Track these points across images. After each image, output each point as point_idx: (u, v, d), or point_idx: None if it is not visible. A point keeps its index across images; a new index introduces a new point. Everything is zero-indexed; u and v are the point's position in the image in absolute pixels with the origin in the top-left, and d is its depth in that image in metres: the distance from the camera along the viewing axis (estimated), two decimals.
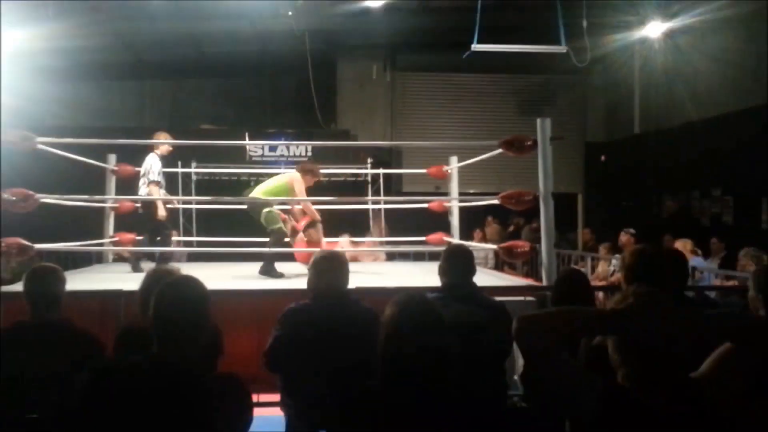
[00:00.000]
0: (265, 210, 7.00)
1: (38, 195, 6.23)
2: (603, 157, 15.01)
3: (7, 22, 9.64)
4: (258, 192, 7.15)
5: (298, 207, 7.48)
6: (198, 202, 10.68)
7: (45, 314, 3.27)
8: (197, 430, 2.16)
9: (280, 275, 6.86)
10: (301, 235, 7.57)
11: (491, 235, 12.50)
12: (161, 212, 7.37)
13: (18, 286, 3.81)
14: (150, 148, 7.51)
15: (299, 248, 7.47)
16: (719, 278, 7.50)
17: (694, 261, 7.30)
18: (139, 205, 7.73)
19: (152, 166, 7.37)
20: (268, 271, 6.88)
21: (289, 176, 7.25)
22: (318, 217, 7.52)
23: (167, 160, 7.87)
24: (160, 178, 7.44)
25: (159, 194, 7.46)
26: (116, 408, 2.15)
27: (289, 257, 7.61)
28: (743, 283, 5.90)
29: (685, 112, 11.77)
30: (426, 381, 2.17)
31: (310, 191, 7.43)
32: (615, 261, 8.54)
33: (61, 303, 3.37)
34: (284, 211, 7.38)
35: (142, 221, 7.63)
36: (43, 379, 2.96)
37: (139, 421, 2.14)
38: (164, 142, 7.54)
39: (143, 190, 7.44)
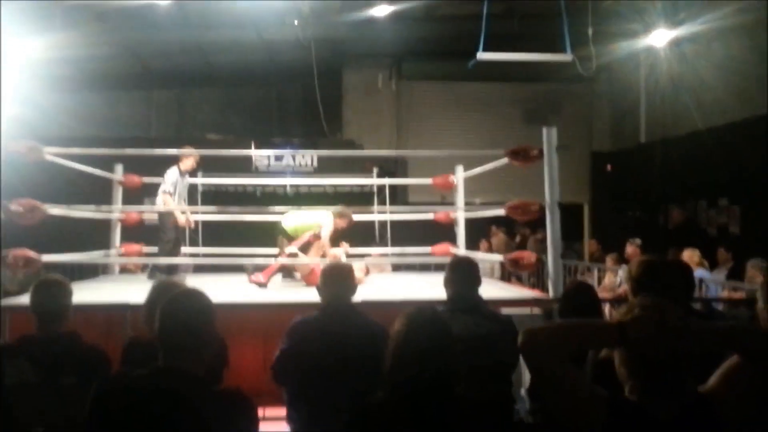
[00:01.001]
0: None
1: (45, 205, 6.20)
2: (609, 167, 14.97)
3: (13, 31, 9.66)
4: (291, 225, 7.43)
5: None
6: (204, 212, 10.66)
7: (51, 327, 3.27)
8: None
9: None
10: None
11: (497, 245, 12.44)
12: (179, 220, 7.62)
13: (25, 298, 3.80)
14: (175, 162, 7.61)
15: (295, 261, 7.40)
16: (726, 289, 7.45)
17: (698, 273, 7.22)
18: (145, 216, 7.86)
19: (167, 177, 7.48)
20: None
21: (321, 217, 7.43)
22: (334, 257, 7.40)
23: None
24: (172, 189, 7.53)
25: (171, 204, 7.55)
26: (122, 422, 2.15)
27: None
28: (751, 294, 5.88)
29: (692, 120, 11.74)
30: (432, 394, 2.17)
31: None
32: (622, 272, 8.50)
33: (68, 315, 3.36)
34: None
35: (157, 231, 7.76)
36: (49, 392, 2.96)
37: None
38: (169, 152, 7.56)
39: (158, 199, 7.58)
